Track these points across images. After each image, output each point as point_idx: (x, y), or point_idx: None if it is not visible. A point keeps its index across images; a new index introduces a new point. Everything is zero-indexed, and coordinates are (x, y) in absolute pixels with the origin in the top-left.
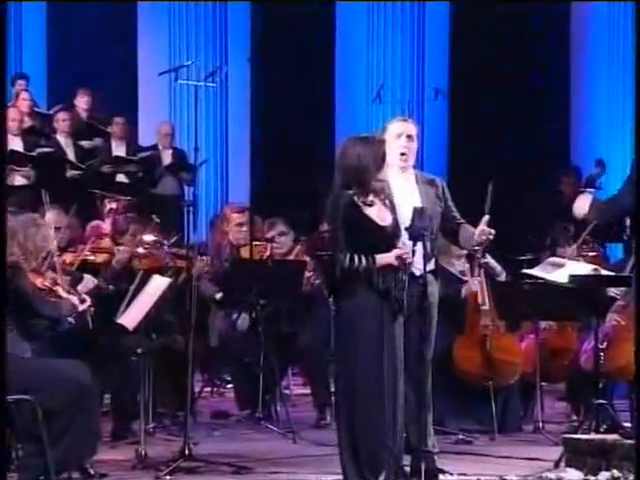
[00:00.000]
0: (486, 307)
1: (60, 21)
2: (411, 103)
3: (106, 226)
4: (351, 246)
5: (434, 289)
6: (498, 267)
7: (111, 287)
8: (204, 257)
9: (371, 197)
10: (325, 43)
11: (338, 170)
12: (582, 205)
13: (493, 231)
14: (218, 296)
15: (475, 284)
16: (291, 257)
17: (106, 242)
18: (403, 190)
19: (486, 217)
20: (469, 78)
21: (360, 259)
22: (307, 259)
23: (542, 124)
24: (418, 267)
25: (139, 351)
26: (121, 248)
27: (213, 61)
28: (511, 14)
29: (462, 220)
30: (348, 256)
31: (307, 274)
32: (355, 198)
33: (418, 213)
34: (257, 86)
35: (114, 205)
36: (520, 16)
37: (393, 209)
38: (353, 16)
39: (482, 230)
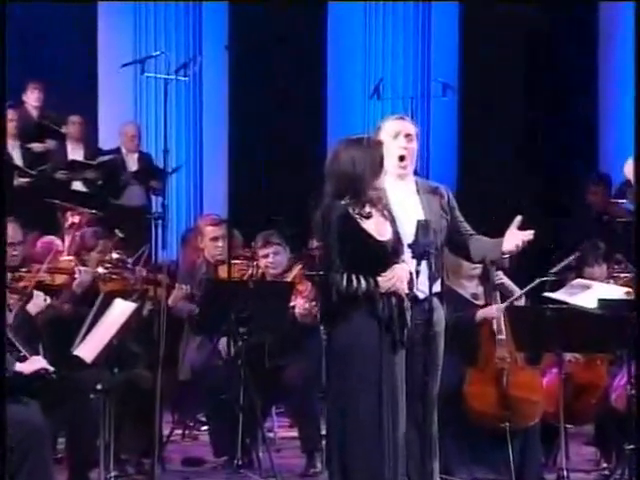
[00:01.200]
0: (502, 336)
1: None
2: (415, 100)
3: (60, 242)
4: (346, 264)
5: (440, 315)
6: (516, 289)
7: (66, 307)
8: (183, 286)
9: (368, 208)
10: (316, 30)
11: (329, 177)
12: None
13: (530, 233)
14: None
15: (496, 313)
16: (287, 278)
17: (65, 261)
18: (402, 201)
19: (518, 217)
20: (483, 72)
21: (359, 281)
22: (308, 285)
23: (566, 126)
24: (422, 290)
25: (99, 387)
26: (83, 269)
27: (185, 51)
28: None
29: (472, 232)
30: (346, 277)
31: (308, 304)
32: (349, 209)
33: (423, 228)
34: (237, 79)
35: (77, 219)
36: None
37: (393, 221)
38: (347, 3)
39: (513, 234)
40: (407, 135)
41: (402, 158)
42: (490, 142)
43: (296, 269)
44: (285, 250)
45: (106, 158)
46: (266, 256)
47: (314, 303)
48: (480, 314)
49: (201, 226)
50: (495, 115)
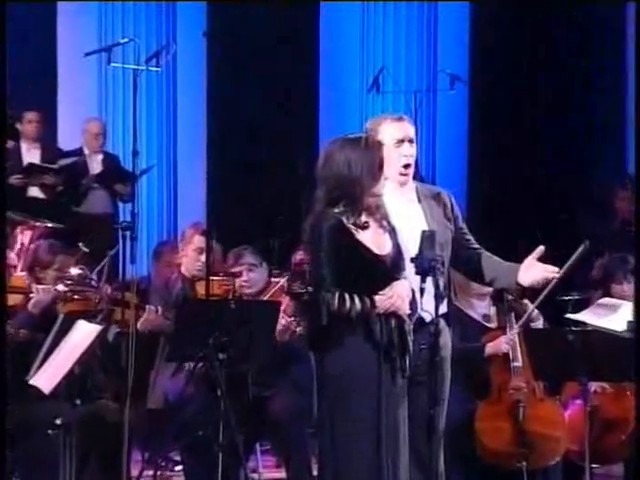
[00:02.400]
0: (518, 363)
1: None
2: (419, 93)
3: (14, 256)
4: (340, 282)
5: (447, 339)
6: (535, 310)
7: (22, 332)
8: (156, 308)
9: (364, 217)
10: (307, 16)
11: (321, 181)
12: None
13: (555, 271)
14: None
15: (505, 346)
16: (266, 296)
17: (19, 278)
18: (402, 209)
19: (541, 248)
20: (496, 62)
21: (353, 300)
22: (285, 300)
23: (591, 125)
24: (428, 311)
25: (58, 422)
26: (41, 287)
27: (157, 38)
28: None
29: (477, 246)
30: (337, 295)
31: (285, 320)
32: (344, 219)
33: (428, 239)
34: (216, 71)
35: (29, 229)
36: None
37: (393, 233)
38: None
39: (534, 266)
40: (411, 140)
41: (407, 166)
42: (504, 141)
43: (274, 287)
44: (261, 266)
45: (69, 161)
46: (239, 274)
47: (292, 319)
48: (489, 349)
49: (189, 234)
50: (510, 111)
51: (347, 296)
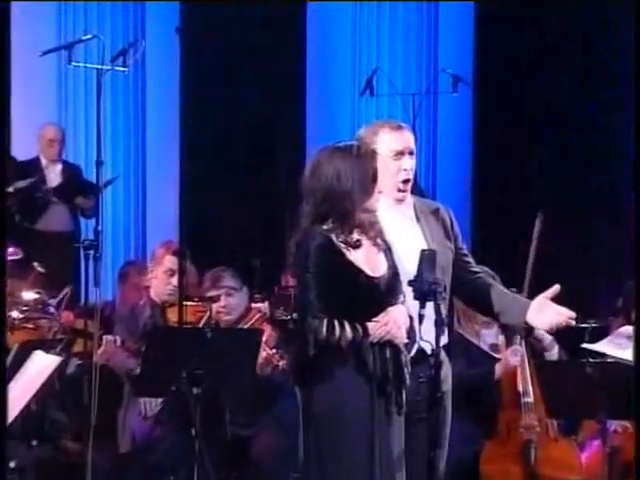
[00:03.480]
0: (529, 399)
1: None
2: (418, 96)
3: None
4: (328, 307)
5: (448, 371)
6: (547, 339)
7: None
8: (115, 338)
9: (356, 235)
10: (292, 12)
11: (308, 195)
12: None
13: (572, 317)
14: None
15: (514, 358)
16: (246, 324)
17: None
18: (399, 227)
19: (556, 287)
20: (503, 62)
21: (344, 327)
22: (268, 328)
23: (607, 130)
24: (428, 340)
25: (12, 465)
26: None
27: (124, 34)
28: None
29: (478, 269)
30: (326, 322)
31: (267, 351)
32: (333, 236)
33: (428, 260)
34: (190, 72)
35: None
36: None
37: (388, 252)
38: None
39: (549, 307)
40: (410, 153)
41: (406, 182)
42: (512, 149)
43: (256, 314)
44: (241, 290)
45: (26, 183)
46: (216, 299)
47: (275, 351)
48: (500, 369)
49: (160, 253)
50: (518, 116)
51: (337, 323)
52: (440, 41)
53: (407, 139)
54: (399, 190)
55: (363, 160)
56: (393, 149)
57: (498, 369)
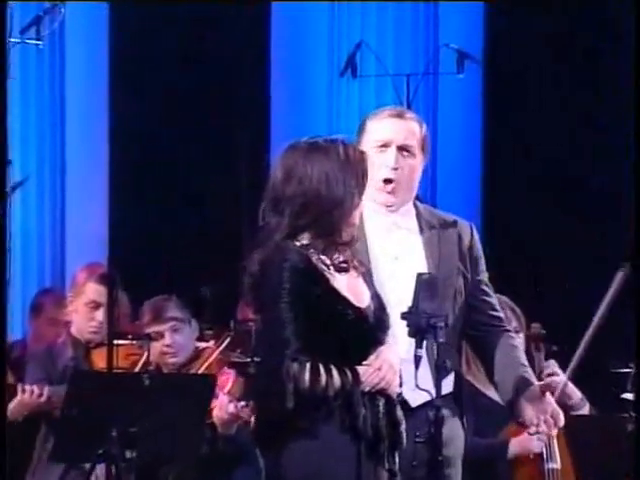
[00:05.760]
0: (555, 465)
1: None
2: (413, 77)
3: None
4: (308, 347)
5: (455, 431)
6: (577, 396)
7: None
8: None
9: (339, 255)
10: None
11: (282, 203)
12: None
13: (560, 422)
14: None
15: (535, 444)
16: (197, 369)
17: None
18: (388, 242)
19: (555, 379)
20: (519, 38)
21: (331, 373)
22: (230, 375)
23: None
24: (425, 388)
25: None
26: None
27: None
28: None
29: (498, 313)
30: (309, 367)
31: (233, 405)
32: (312, 256)
33: (426, 286)
34: (123, 47)
35: None
36: None
37: (368, 277)
38: None
39: (542, 401)
40: (401, 147)
41: (389, 181)
42: (529, 140)
43: (211, 354)
44: (189, 324)
45: None
46: (157, 336)
47: (242, 404)
48: (514, 448)
49: (81, 279)
50: (538, 101)
51: (322, 368)
52: (442, 8)
53: (399, 130)
54: (379, 190)
55: (351, 159)
56: (376, 139)
57: (514, 447)
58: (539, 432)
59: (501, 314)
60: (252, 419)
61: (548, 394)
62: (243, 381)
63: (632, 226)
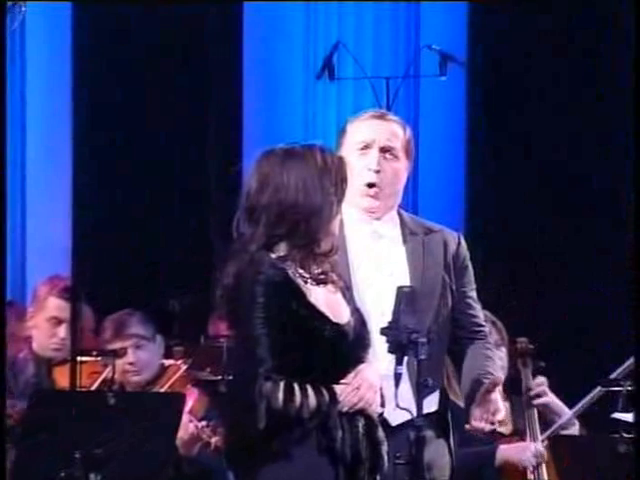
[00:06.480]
0: None
1: None
2: (394, 81)
3: None
4: (283, 365)
5: (439, 451)
6: (566, 411)
7: None
8: None
9: (317, 267)
10: None
11: (257, 212)
12: None
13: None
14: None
15: (526, 455)
16: (162, 387)
17: None
18: (370, 254)
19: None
20: (504, 37)
21: (306, 392)
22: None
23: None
24: (405, 407)
25: None
26: None
27: None
28: None
29: (482, 328)
30: (283, 386)
31: (193, 425)
32: (289, 268)
33: (407, 300)
34: (87, 45)
35: None
36: None
37: (347, 292)
38: None
39: (486, 408)
40: (384, 148)
41: (372, 185)
42: (516, 145)
43: (175, 373)
44: (154, 341)
45: None
46: (121, 352)
47: (203, 424)
48: (501, 455)
49: (42, 293)
50: (526, 104)
51: (297, 387)
52: (423, 8)
53: (381, 130)
54: (362, 196)
55: (330, 166)
56: (357, 140)
57: (502, 455)
58: (476, 428)
59: (485, 329)
60: (213, 440)
61: (495, 393)
62: (206, 400)
63: (631, 227)
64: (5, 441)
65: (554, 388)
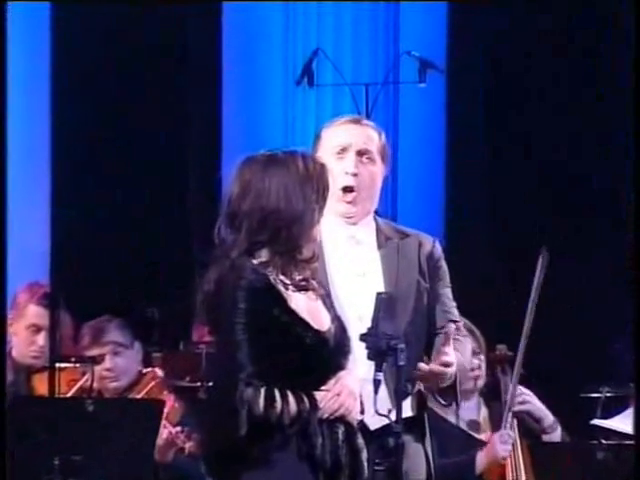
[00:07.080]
0: None
1: None
2: (373, 88)
3: None
4: (264, 371)
5: (417, 457)
6: (550, 419)
7: None
8: None
9: (298, 273)
10: None
11: (238, 218)
12: None
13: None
14: None
15: (502, 447)
16: (139, 394)
17: None
18: (346, 260)
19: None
20: (487, 44)
21: (287, 398)
22: (170, 399)
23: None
24: (384, 414)
25: None
26: None
27: None
28: None
29: (456, 321)
30: (264, 392)
31: (168, 430)
32: (270, 274)
33: (385, 306)
34: (66, 47)
35: None
36: None
37: (327, 299)
38: None
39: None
40: (360, 151)
41: (349, 190)
42: (495, 156)
43: (152, 380)
44: (132, 347)
45: None
46: (99, 359)
47: (178, 429)
48: (483, 460)
49: (22, 301)
50: (508, 112)
51: (278, 393)
52: (402, 15)
53: (357, 134)
54: (339, 200)
55: (312, 172)
56: (334, 145)
57: (481, 460)
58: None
59: (459, 324)
60: (187, 445)
61: (449, 346)
62: (183, 407)
63: (631, 227)
64: (5, 441)
65: (556, 391)
